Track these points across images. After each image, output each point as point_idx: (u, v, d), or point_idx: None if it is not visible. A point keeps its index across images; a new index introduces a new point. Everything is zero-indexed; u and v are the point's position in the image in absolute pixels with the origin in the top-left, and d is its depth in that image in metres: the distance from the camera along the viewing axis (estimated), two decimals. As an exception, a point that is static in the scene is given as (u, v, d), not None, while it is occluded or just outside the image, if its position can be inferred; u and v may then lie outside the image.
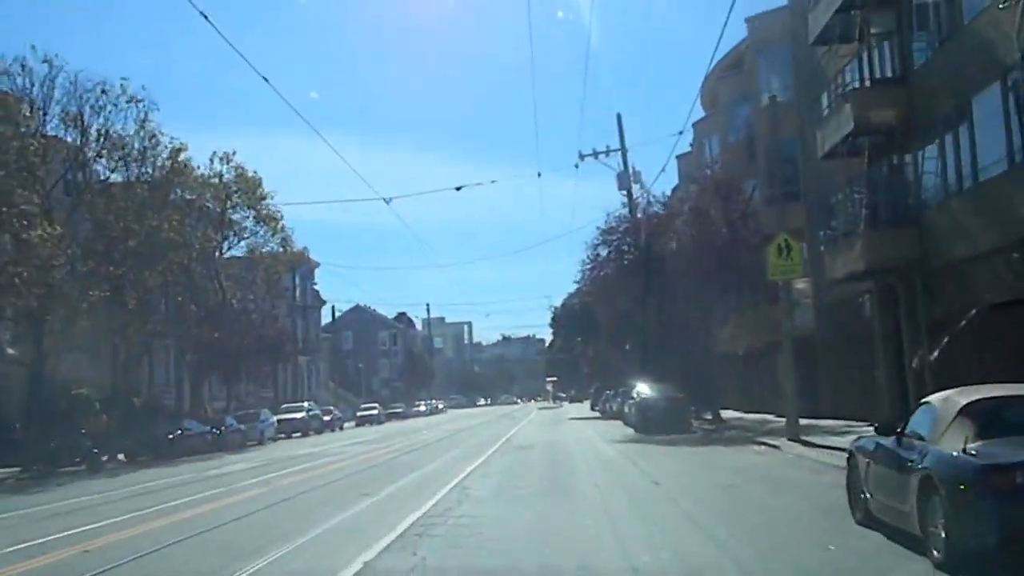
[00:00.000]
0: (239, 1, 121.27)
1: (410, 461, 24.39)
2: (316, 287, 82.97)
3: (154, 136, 34.47)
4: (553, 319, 65.89)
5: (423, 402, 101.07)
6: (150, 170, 35.63)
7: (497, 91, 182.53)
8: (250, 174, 43.33)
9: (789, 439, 21.79)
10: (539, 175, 52.15)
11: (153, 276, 36.14)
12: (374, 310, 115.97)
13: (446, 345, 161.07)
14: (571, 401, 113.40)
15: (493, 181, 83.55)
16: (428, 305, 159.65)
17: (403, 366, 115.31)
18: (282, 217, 45.04)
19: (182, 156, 37.23)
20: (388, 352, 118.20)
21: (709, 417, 34.23)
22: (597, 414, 60.01)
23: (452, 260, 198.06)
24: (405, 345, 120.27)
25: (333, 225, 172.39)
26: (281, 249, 46.66)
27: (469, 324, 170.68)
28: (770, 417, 34.60)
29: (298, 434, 51.45)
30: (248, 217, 44.80)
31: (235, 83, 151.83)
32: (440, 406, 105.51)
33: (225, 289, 44.78)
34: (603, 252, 33.93)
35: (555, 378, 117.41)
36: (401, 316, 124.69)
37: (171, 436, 37.24)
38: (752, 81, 34.72)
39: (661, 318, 34.16)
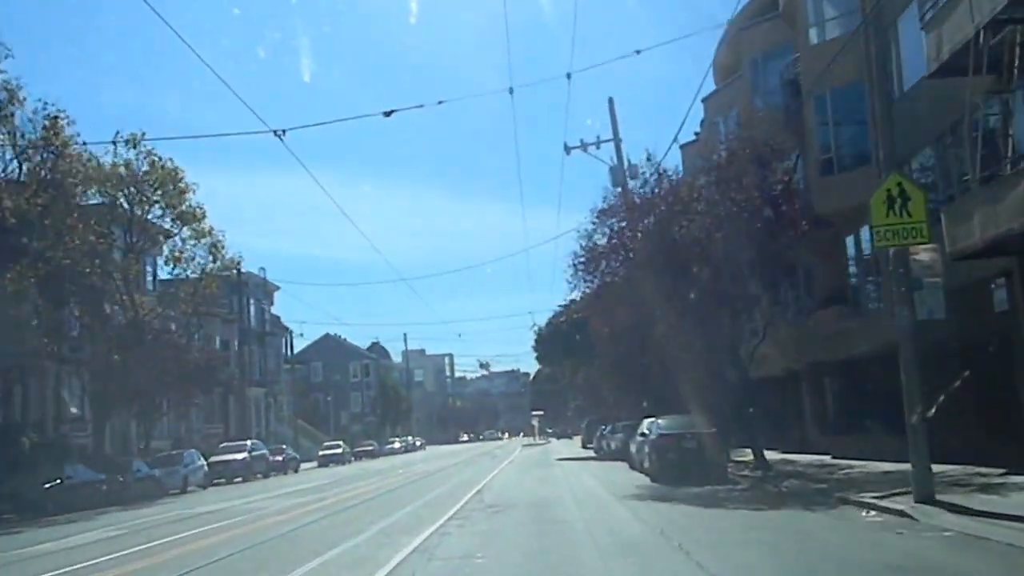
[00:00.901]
0: (214, 39, 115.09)
1: (319, 533, 16.03)
2: (275, 312, 74.47)
3: (11, 92, 26.16)
4: (537, 341, 57.35)
5: (398, 439, 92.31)
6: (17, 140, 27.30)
7: (477, 117, 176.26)
8: (168, 164, 34.99)
9: (920, 501, 13.60)
10: (511, 91, 41.27)
11: (14, 280, 27.79)
12: (345, 339, 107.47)
13: (426, 379, 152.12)
14: (559, 437, 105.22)
15: (440, 101, 72.56)
16: (405, 335, 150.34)
17: (376, 400, 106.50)
18: (205, 215, 36.52)
19: (66, 132, 29.00)
20: (360, 384, 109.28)
21: (747, 459, 26.09)
22: (590, 452, 51.88)
23: (430, 288, 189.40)
24: (379, 377, 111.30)
25: (311, 260, 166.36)
26: (210, 257, 38.13)
27: (450, 356, 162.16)
28: (825, 459, 26.49)
29: (239, 479, 43.13)
30: (164, 217, 36.31)
31: (212, 118, 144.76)
32: (418, 443, 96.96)
33: (137, 304, 36.19)
34: (601, 240, 25.62)
35: (541, 412, 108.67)
36: (375, 346, 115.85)
37: (49, 486, 28.96)
38: (796, 15, 26.69)
39: (681, 328, 25.95)
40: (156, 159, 34.53)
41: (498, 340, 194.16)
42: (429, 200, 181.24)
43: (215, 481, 41.89)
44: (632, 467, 30.56)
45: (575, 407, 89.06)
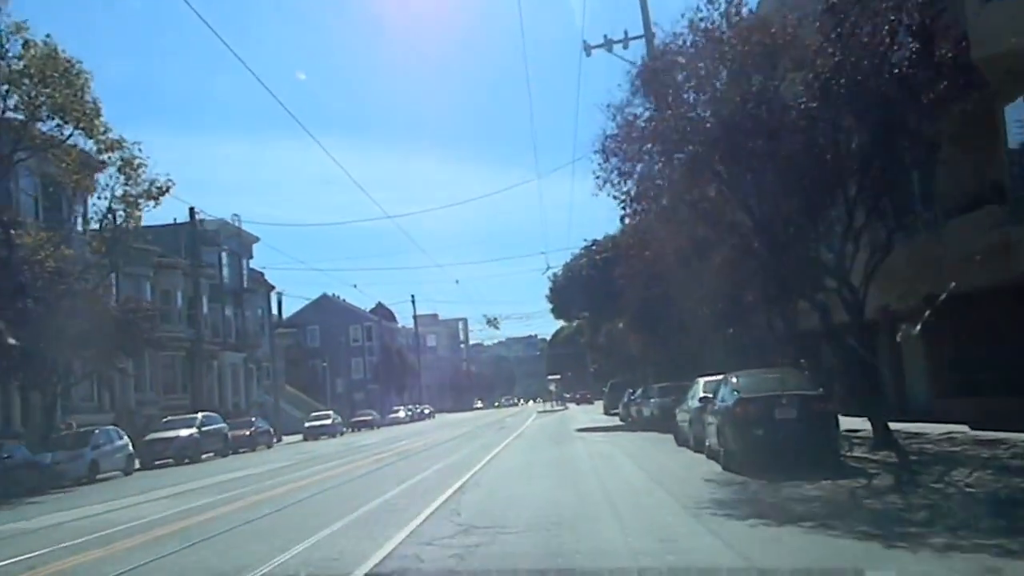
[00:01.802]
0: (227, 5, 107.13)
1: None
2: (253, 267, 66.00)
3: None
4: (552, 291, 48.59)
5: (404, 407, 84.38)
6: None
7: (490, 82, 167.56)
8: (46, 43, 26.02)
9: None
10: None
11: None
12: (344, 300, 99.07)
13: (440, 344, 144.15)
14: (578, 403, 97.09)
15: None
16: (413, 296, 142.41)
17: (380, 365, 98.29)
18: (99, 113, 27.09)
19: None
20: (362, 349, 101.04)
21: (853, 432, 17.71)
22: (615, 420, 43.80)
23: (440, 249, 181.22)
24: (383, 341, 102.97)
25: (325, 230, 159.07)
26: (121, 178, 29.05)
27: (464, 321, 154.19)
28: (962, 429, 18.24)
29: (187, 460, 34.98)
30: (44, 115, 26.93)
31: (224, 87, 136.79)
32: (427, 411, 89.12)
33: (14, 241, 27.08)
34: (643, 112, 16.91)
35: (558, 376, 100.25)
36: (378, 308, 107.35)
37: None
38: None
39: (764, 244, 17.40)
40: (30, 40, 25.49)
41: (512, 301, 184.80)
42: (441, 163, 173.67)
43: (156, 463, 33.97)
44: (680, 443, 22.47)
45: (595, 370, 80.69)
